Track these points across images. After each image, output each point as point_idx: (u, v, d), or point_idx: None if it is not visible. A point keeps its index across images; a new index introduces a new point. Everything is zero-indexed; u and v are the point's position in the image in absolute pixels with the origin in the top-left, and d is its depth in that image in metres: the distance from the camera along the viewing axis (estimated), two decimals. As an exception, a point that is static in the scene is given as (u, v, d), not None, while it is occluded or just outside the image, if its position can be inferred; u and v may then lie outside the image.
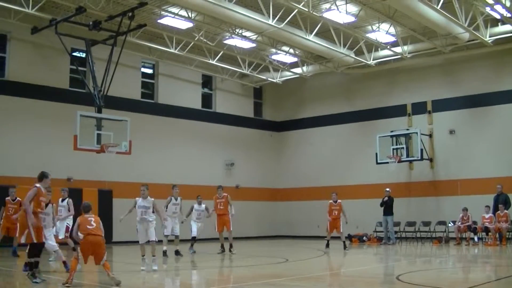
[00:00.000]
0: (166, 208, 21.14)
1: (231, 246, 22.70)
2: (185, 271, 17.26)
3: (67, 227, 19.50)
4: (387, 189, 28.59)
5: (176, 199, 21.32)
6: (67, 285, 12.05)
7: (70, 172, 27.38)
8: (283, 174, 37.49)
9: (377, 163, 30.24)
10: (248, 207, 33.41)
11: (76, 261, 12.40)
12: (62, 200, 19.70)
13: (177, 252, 20.99)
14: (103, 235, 12.85)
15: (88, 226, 12.62)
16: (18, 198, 20.02)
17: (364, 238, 29.64)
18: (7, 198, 20.48)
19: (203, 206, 22.59)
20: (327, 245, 24.73)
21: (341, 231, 24.72)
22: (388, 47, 29.02)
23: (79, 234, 12.61)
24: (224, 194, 23.09)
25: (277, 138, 38.09)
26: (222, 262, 19.83)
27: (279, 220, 36.96)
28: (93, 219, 12.85)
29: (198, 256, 20.96)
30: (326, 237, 25.25)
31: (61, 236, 19.26)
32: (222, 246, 22.84)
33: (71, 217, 19.68)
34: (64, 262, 15.38)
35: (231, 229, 22.88)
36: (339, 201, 24.63)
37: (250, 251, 22.97)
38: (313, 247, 25.76)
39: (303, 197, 35.63)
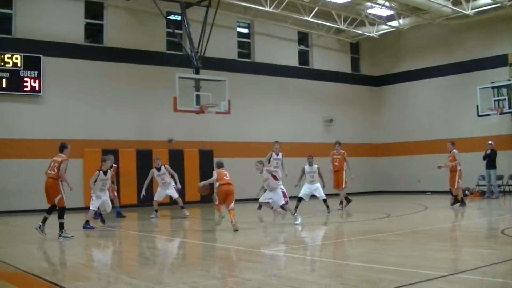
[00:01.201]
0: (269, 162, 21.32)
1: (340, 202, 22.86)
2: (287, 228, 17.41)
3: (176, 189, 20.22)
4: (490, 142, 27.89)
5: (277, 154, 21.42)
6: (221, 216, 16.17)
7: (171, 134, 27.87)
8: (382, 129, 37.15)
9: (478, 115, 29.43)
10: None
11: (217, 206, 16.22)
12: (159, 169, 20.05)
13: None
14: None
15: (224, 177, 16.00)
16: (114, 165, 20.61)
17: (467, 192, 29.05)
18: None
19: (315, 166, 20.95)
20: (455, 202, 22.29)
21: (455, 186, 22.30)
22: (488, -5, 28.13)
23: (216, 183, 16.01)
24: (342, 151, 23.06)
25: (375, 93, 37.68)
26: (324, 219, 19.88)
27: (379, 176, 36.74)
28: (227, 173, 16.19)
29: (301, 213, 21.05)
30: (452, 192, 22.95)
31: (175, 196, 20.43)
32: (341, 202, 22.93)
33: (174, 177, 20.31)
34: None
35: (343, 186, 22.91)
36: (453, 150, 22.34)
37: (351, 207, 22.91)
38: (415, 202, 25.52)
39: (403, 152, 35.26)
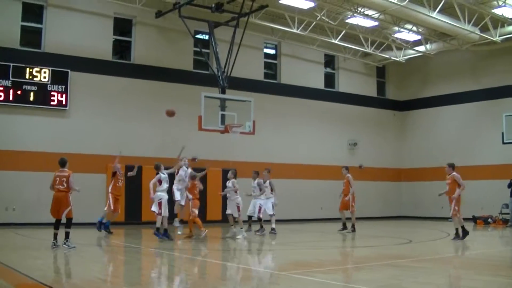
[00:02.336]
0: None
1: (343, 224, 23.34)
2: (304, 251, 17.35)
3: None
4: (515, 170, 27.69)
5: (264, 182, 21.85)
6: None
7: (195, 152, 27.93)
8: (407, 154, 37.01)
9: (504, 143, 29.24)
10: (371, 187, 33.27)
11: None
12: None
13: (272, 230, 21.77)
14: None
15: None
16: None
17: (489, 220, 28.84)
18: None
19: (257, 181, 22.23)
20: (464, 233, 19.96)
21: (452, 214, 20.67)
22: (515, 22, 28.01)
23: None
24: (348, 175, 23.32)
25: (400, 117, 37.58)
26: (344, 243, 19.81)
27: (403, 201, 36.58)
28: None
29: (320, 235, 21.00)
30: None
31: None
32: (344, 224, 23.21)
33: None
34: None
35: (350, 210, 23.19)
36: (453, 173, 20.62)
37: (373, 232, 22.88)
38: (437, 229, 25.37)
39: (426, 177, 35.00)
